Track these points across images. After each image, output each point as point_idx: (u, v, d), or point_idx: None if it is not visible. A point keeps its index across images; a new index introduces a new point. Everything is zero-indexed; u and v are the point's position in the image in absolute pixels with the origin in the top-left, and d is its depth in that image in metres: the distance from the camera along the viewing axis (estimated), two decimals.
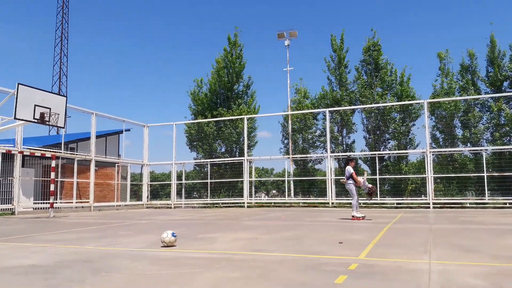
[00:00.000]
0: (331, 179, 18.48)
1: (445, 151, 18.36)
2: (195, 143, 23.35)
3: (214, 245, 6.11)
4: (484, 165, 16.62)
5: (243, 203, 19.68)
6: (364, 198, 16.68)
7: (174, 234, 6.01)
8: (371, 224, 9.37)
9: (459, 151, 18.56)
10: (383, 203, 17.93)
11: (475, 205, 16.55)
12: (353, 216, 10.77)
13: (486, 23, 45.64)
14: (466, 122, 18.61)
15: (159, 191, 31.10)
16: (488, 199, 16.49)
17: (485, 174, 16.42)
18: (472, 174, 17.71)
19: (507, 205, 16.06)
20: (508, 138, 18.22)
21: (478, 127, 18.49)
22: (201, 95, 24.41)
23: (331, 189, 18.36)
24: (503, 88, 19.06)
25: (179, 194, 22.17)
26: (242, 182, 20.21)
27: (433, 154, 17.96)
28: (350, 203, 18.36)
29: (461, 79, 19.87)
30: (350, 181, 10.84)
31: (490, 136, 18.49)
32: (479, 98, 18.85)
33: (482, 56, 19.85)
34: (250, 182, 20.41)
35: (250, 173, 20.68)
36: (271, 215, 13.41)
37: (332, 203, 18.31)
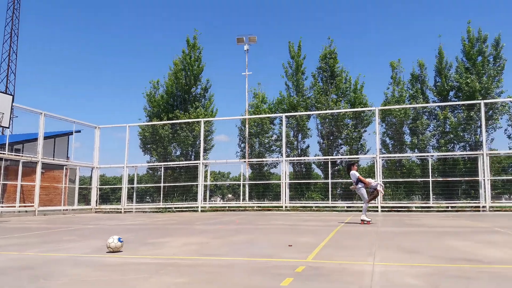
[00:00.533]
0: (285, 182, 18.69)
1: (394, 157, 19.11)
2: (149, 146, 22.85)
3: (162, 250, 5.98)
4: (430, 170, 17.46)
5: (197, 207, 19.47)
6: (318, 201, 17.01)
7: (121, 239, 5.82)
8: (321, 227, 9.55)
9: (407, 156, 19.38)
10: (334, 206, 18.36)
11: (420, 209, 17.33)
12: (362, 220, 10.50)
13: (436, 35, 47.97)
14: (414, 129, 19.46)
15: (110, 195, 30.13)
16: (433, 203, 17.32)
17: (430, 179, 17.25)
18: (418, 179, 18.55)
19: (449, 208, 16.95)
20: (452, 145, 19.24)
21: (425, 134, 19.40)
22: (157, 96, 23.95)
23: (285, 192, 18.56)
24: (449, 98, 20.12)
25: (130, 198, 21.58)
26: (197, 186, 19.99)
27: (382, 159, 18.63)
28: (304, 206, 18.90)
29: (411, 88, 20.77)
30: (360, 185, 10.58)
31: (436, 143, 19.45)
32: (427, 106, 19.78)
33: (431, 67, 20.88)
34: (205, 186, 20.24)
35: (206, 177, 20.51)
36: (224, 219, 13.34)
37: (286, 207, 18.52)
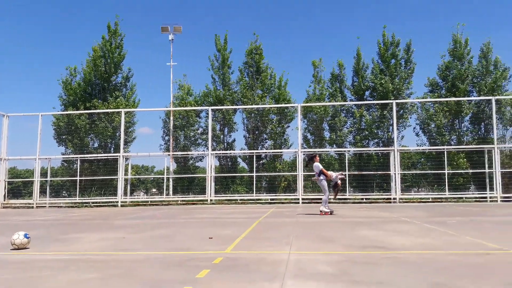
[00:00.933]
0: (211, 176, 18.60)
1: (314, 151, 19.91)
2: (64, 137, 21.37)
3: (74, 246, 5.62)
4: (347, 164, 18.49)
5: (117, 202, 18.65)
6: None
7: (27, 236, 5.37)
8: (244, 220, 9.64)
9: (326, 151, 20.31)
10: (259, 199, 18.69)
11: (338, 201, 18.25)
12: (321, 211, 10.77)
13: (354, 36, 50.58)
14: (333, 126, 20.43)
15: (21, 189, 27.79)
16: (349, 195, 18.36)
17: (347, 173, 18.23)
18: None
19: (364, 200, 18.09)
20: (367, 141, 20.54)
21: (343, 130, 20.47)
22: (74, 84, 22.44)
23: (210, 186, 18.48)
24: (365, 97, 21.40)
25: (44, 192, 20.05)
26: (117, 180, 19.13)
27: (303, 154, 19.32)
28: (229, 200, 19.00)
29: (331, 87, 21.74)
30: (322, 177, 10.82)
31: (353, 139, 20.62)
32: (345, 104, 20.86)
33: (350, 67, 22.00)
34: (126, 180, 19.45)
35: (127, 170, 19.71)
36: (145, 213, 12.93)
37: (211, 200, 18.45)
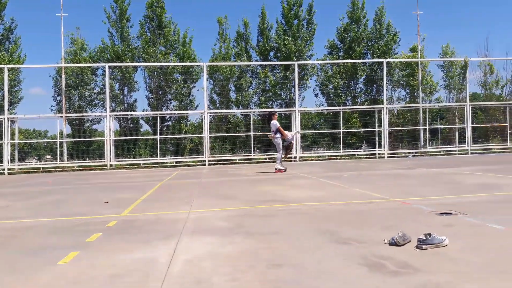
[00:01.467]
0: (110, 140, 17.61)
1: (221, 112, 19.91)
2: None
3: None
4: (252, 125, 18.81)
5: (3, 169, 16.83)
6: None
7: None
8: (146, 183, 9.36)
9: (233, 112, 20.41)
10: (164, 162, 18.31)
11: (243, 161, 18.69)
12: (276, 169, 10.85)
13: None
14: (239, 86, 20.46)
15: None
16: (254, 155, 18.86)
17: (252, 134, 18.62)
18: (242, 134, 19.82)
19: (268, 159, 18.74)
20: (271, 102, 21.01)
21: (249, 91, 20.64)
22: None
23: (110, 150, 17.53)
24: (269, 58, 21.66)
25: None
26: (1, 145, 17.17)
27: (210, 115, 19.20)
28: (131, 164, 18.31)
29: (237, 46, 21.56)
30: (278, 135, 10.92)
31: (258, 100, 20.94)
32: (250, 65, 20.93)
33: (255, 26, 21.93)
34: (13, 145, 17.57)
35: (13, 134, 17.76)
36: (35, 181, 11.88)
37: (111, 165, 17.59)
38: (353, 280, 2.19)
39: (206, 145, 17.87)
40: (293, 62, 19.33)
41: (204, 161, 17.85)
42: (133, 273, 2.46)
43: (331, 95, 21.04)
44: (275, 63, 20.87)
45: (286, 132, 11.23)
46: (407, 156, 19.33)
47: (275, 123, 11.11)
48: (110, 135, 17.65)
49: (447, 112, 21.91)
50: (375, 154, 19.39)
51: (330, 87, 20.91)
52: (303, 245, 2.96)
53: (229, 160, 18.65)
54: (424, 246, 2.67)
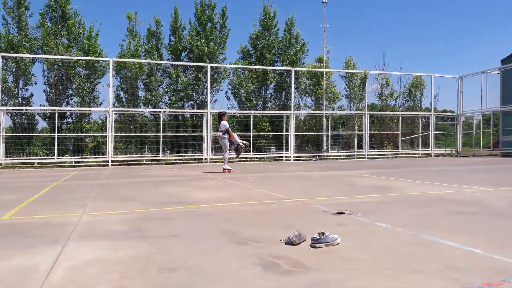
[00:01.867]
0: (0, 136, 15.81)
1: (128, 111, 19.00)
2: None
3: None
4: (161, 125, 18.26)
5: None
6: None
7: None
8: (37, 183, 8.52)
9: (141, 111, 19.60)
10: (61, 162, 16.93)
11: (150, 162, 18.06)
12: (224, 169, 11.10)
13: None
14: (148, 85, 19.73)
15: None
16: (162, 156, 18.32)
17: (161, 134, 18.07)
18: (150, 134, 19.14)
19: (177, 161, 18.35)
20: (182, 102, 20.62)
21: (159, 90, 20.00)
22: None
23: (0, 148, 15.75)
24: (181, 58, 21.24)
25: None
26: None
27: (115, 113, 18.23)
28: (24, 163, 16.62)
29: (147, 43, 20.80)
30: (226, 136, 11.12)
31: (168, 100, 20.39)
32: (161, 63, 20.31)
33: (167, 25, 21.41)
34: None
35: None
36: None
37: (1, 164, 15.81)
38: (247, 280, 2.15)
39: (110, 144, 16.91)
40: (206, 64, 19.22)
41: (107, 161, 16.87)
42: (5, 283, 2.16)
43: (243, 99, 21.30)
44: (188, 64, 20.54)
45: (234, 134, 11.43)
46: (311, 159, 20.31)
47: (225, 124, 11.28)
48: (0, 132, 15.84)
49: (348, 119, 23.47)
50: (282, 157, 20.05)
51: (242, 91, 21.16)
52: (201, 247, 2.87)
53: (135, 161, 17.89)
54: (317, 245, 2.75)
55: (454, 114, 24.03)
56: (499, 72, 22.34)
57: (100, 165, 16.94)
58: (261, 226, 3.60)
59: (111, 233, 3.42)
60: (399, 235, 3.15)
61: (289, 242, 2.85)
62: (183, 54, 21.36)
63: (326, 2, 21.98)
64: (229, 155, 12.03)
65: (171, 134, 19.07)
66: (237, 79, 21.18)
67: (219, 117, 11.72)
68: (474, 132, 23.51)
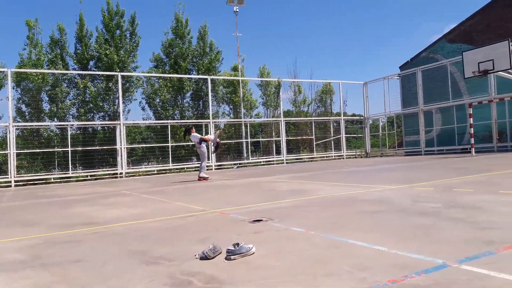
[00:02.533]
0: None
1: (31, 126, 17.43)
2: None
3: None
4: (69, 140, 17.02)
5: None
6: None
7: None
8: None
9: (46, 125, 18.09)
10: None
11: (59, 180, 16.73)
12: (201, 177, 11.41)
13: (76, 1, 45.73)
14: (53, 97, 18.30)
15: None
16: (72, 173, 17.06)
17: (69, 149, 16.84)
18: (58, 149, 17.74)
19: (89, 177, 17.23)
20: (92, 114, 19.44)
21: (65, 102, 18.65)
22: None
23: None
24: (89, 67, 20.04)
25: None
26: None
27: (17, 129, 16.65)
28: None
29: (51, 52, 19.33)
30: (203, 144, 11.61)
31: (76, 112, 19.08)
32: (67, 73, 18.99)
33: (72, 33, 20.06)
34: None
35: None
36: None
37: None
38: None
39: (12, 163, 15.38)
40: (117, 73, 18.36)
41: (10, 182, 15.31)
42: None
43: (159, 109, 20.72)
44: (97, 73, 19.44)
45: (208, 136, 12.04)
46: (232, 167, 20.37)
47: (196, 135, 11.79)
48: None
49: (266, 126, 23.98)
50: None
51: (158, 100, 20.58)
52: (108, 271, 2.66)
53: (42, 179, 16.45)
54: (232, 257, 2.68)
55: (362, 117, 25.72)
56: (398, 77, 24.42)
57: (1, 187, 15.30)
58: (175, 242, 3.45)
59: (8, 263, 3.04)
60: (312, 238, 3.21)
61: (204, 257, 2.75)
62: (91, 63, 20.22)
63: (237, 12, 22.26)
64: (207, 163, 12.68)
65: (81, 148, 17.87)
66: (151, 88, 20.57)
67: (187, 132, 12.19)
68: (380, 134, 25.40)
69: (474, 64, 14.94)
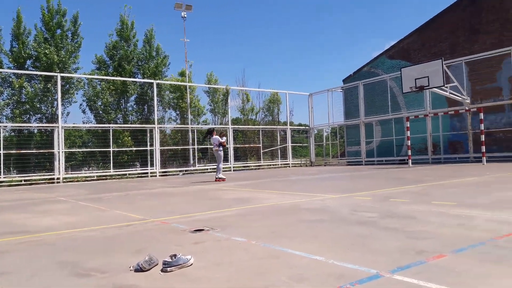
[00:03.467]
0: None
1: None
2: None
3: None
4: (1, 142, 15.86)
5: None
6: None
7: None
8: None
9: None
10: None
11: None
12: (218, 178, 12.47)
13: None
14: None
15: None
16: (4, 177, 15.89)
17: (1, 152, 15.69)
18: None
19: (23, 182, 16.14)
20: (28, 116, 18.29)
21: None
22: None
23: None
24: (26, 66, 18.89)
25: None
26: None
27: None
28: None
29: None
30: (221, 148, 12.72)
31: (10, 113, 17.86)
32: (1, 72, 17.78)
33: (8, 30, 18.87)
34: None
35: None
36: None
37: None
38: None
39: None
40: (56, 74, 17.45)
41: None
42: None
43: (100, 112, 19.93)
44: (34, 73, 18.35)
45: (223, 139, 12.92)
46: (178, 174, 19.98)
47: (217, 138, 12.77)
48: None
49: None
50: (147, 173, 19.28)
51: (99, 103, 19.80)
52: (35, 285, 2.46)
53: None
54: (169, 269, 2.59)
55: (307, 127, 26.35)
56: (342, 90, 25.34)
57: None
58: (110, 253, 3.28)
59: None
60: (253, 248, 3.19)
61: (139, 269, 2.63)
62: (28, 62, 19.11)
63: (185, 17, 22.04)
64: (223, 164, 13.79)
65: (15, 152, 16.73)
66: (93, 91, 19.76)
67: (210, 133, 13.26)
68: (324, 144, 26.16)
69: (411, 80, 15.82)
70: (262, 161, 23.60)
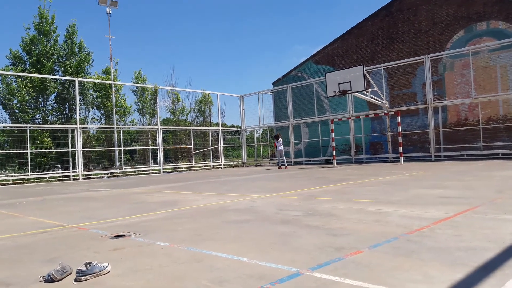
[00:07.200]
0: None
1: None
2: None
3: None
4: None
5: None
6: None
7: None
8: None
9: None
10: None
11: None
12: (286, 166, 18.51)
13: None
14: None
15: None
16: None
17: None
18: None
19: None
20: None
21: None
22: None
23: None
24: None
25: None
26: None
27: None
28: None
29: None
30: (282, 147, 18.67)
31: None
32: None
33: None
34: None
35: None
36: None
37: None
38: None
39: None
40: None
41: None
42: None
43: (16, 111, 18.42)
44: None
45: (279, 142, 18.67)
46: (103, 177, 19.05)
47: (280, 141, 18.73)
48: None
49: (142, 134, 23.10)
50: (69, 176, 18.15)
51: (15, 101, 18.30)
52: None
53: None
54: (83, 278, 2.44)
55: (239, 129, 26.52)
56: (271, 93, 25.86)
57: None
58: (19, 263, 3.02)
59: None
60: (176, 252, 3.12)
61: (50, 279, 2.45)
62: None
63: (110, 13, 21.14)
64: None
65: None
66: (7, 88, 18.21)
67: (277, 137, 18.98)
68: (256, 145, 26.48)
69: (335, 85, 16.57)
70: (193, 163, 23.31)
